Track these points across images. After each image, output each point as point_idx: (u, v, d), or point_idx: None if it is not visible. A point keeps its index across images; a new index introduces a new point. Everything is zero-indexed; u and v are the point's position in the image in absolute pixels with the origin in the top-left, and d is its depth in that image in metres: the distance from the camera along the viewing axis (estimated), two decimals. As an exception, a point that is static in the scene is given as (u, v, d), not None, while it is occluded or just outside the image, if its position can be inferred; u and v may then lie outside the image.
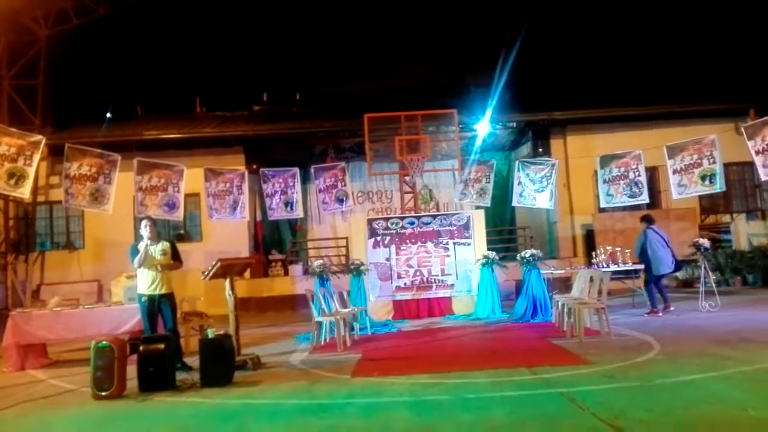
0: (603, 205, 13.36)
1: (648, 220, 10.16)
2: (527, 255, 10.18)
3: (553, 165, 13.48)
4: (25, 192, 10.44)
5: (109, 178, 11.35)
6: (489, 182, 14.02)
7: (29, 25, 15.10)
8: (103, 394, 5.64)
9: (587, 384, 5.08)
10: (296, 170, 13.73)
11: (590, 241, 14.90)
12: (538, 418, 4.20)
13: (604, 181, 12.99)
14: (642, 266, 10.20)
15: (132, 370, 5.94)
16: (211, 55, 18.80)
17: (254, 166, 15.04)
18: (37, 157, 10.26)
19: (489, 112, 15.14)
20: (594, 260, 10.98)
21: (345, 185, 13.75)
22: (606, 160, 13.04)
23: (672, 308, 9.60)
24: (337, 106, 16.91)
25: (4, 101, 14.96)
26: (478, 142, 16.37)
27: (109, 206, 11.42)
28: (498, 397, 4.85)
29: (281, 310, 14.25)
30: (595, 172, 13.66)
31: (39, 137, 10.50)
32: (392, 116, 13.29)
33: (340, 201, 13.80)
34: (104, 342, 5.83)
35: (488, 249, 11.25)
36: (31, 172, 10.22)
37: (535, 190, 13.32)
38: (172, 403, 5.43)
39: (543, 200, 13.36)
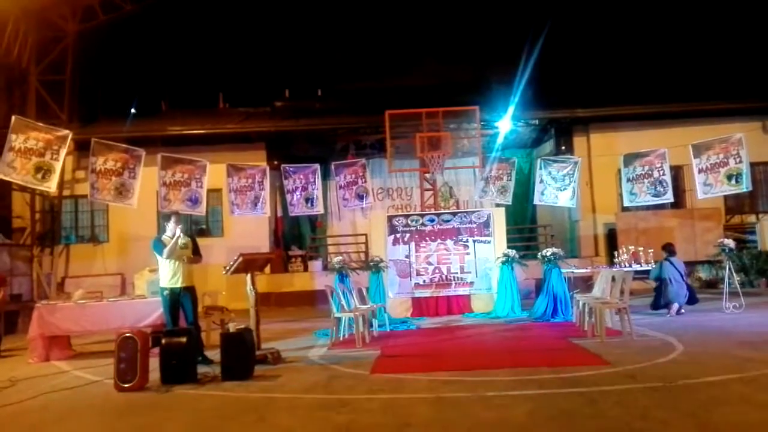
0: (626, 204, 13.19)
1: (669, 250, 10.05)
2: (548, 253, 10.10)
3: (575, 163, 13.34)
4: (51, 186, 10.64)
5: (133, 173, 11.52)
6: (510, 180, 13.94)
7: (57, 22, 15.35)
8: (126, 385, 5.73)
9: (608, 384, 5.03)
10: (317, 166, 13.79)
11: (612, 240, 14.73)
12: (558, 418, 4.17)
13: (628, 180, 12.83)
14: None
15: (154, 363, 6.03)
16: (234, 51, 18.94)
17: (275, 162, 15.15)
18: (63, 152, 10.45)
19: (511, 109, 15.03)
20: (616, 259, 10.85)
21: (365, 182, 13.79)
22: (630, 159, 12.88)
23: (667, 315, 9.45)
24: (358, 102, 16.93)
25: (31, 97, 15.23)
26: (500, 140, 16.26)
27: (133, 200, 11.60)
28: (518, 395, 4.82)
29: (300, 305, 14.33)
30: (619, 170, 13.49)
31: (66, 132, 10.69)
32: (413, 113, 13.28)
33: (361, 197, 13.84)
34: (128, 334, 5.92)
35: (508, 247, 11.19)
36: (58, 166, 10.42)
37: (557, 189, 13.21)
38: (193, 395, 5.50)
39: (565, 199, 13.24)
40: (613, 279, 8.18)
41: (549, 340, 7.81)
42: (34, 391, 5.95)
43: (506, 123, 15.63)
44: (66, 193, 15.54)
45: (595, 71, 17.91)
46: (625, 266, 10.14)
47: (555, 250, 10.24)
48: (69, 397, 5.72)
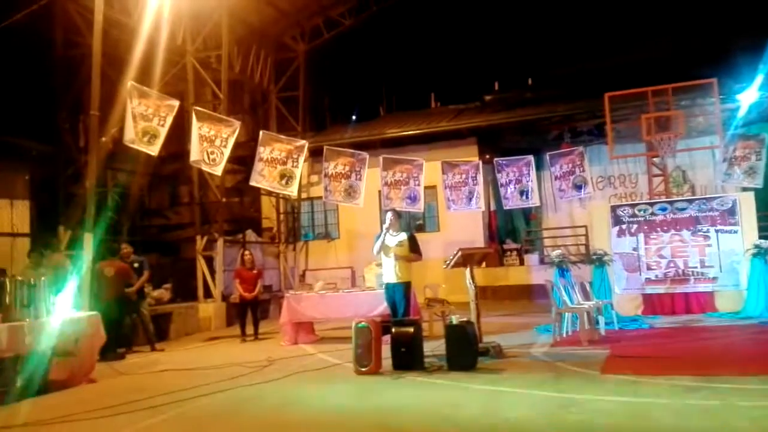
0: None
1: None
2: (814, 244, 8.55)
3: None
4: (293, 190, 11.99)
5: (359, 175, 12.44)
6: (759, 159, 12.01)
7: (289, 43, 17.34)
8: (363, 369, 6.28)
9: None
10: (530, 158, 13.43)
11: None
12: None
13: None
14: None
15: (385, 350, 6.48)
16: (443, 51, 19.39)
17: (487, 156, 15.14)
18: (302, 160, 11.69)
19: (759, 79, 12.99)
20: None
21: (583, 171, 13.04)
22: None
23: None
24: (571, 87, 16.16)
25: (272, 112, 17.43)
26: (741, 113, 14.18)
27: (360, 200, 12.53)
28: (781, 408, 4.18)
29: (517, 299, 14.18)
30: None
31: (303, 142, 11.96)
32: (636, 93, 12.29)
33: (578, 188, 13.14)
34: (363, 323, 6.46)
35: (760, 237, 9.74)
36: (298, 172, 11.67)
37: (823, 166, 11.09)
38: (422, 382, 5.80)
39: (835, 178, 11.06)
40: None
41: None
42: (288, 370, 6.81)
43: (752, 94, 13.56)
44: (303, 195, 17.46)
45: None
46: None
47: (823, 239, 8.63)
48: (317, 377, 6.45)
